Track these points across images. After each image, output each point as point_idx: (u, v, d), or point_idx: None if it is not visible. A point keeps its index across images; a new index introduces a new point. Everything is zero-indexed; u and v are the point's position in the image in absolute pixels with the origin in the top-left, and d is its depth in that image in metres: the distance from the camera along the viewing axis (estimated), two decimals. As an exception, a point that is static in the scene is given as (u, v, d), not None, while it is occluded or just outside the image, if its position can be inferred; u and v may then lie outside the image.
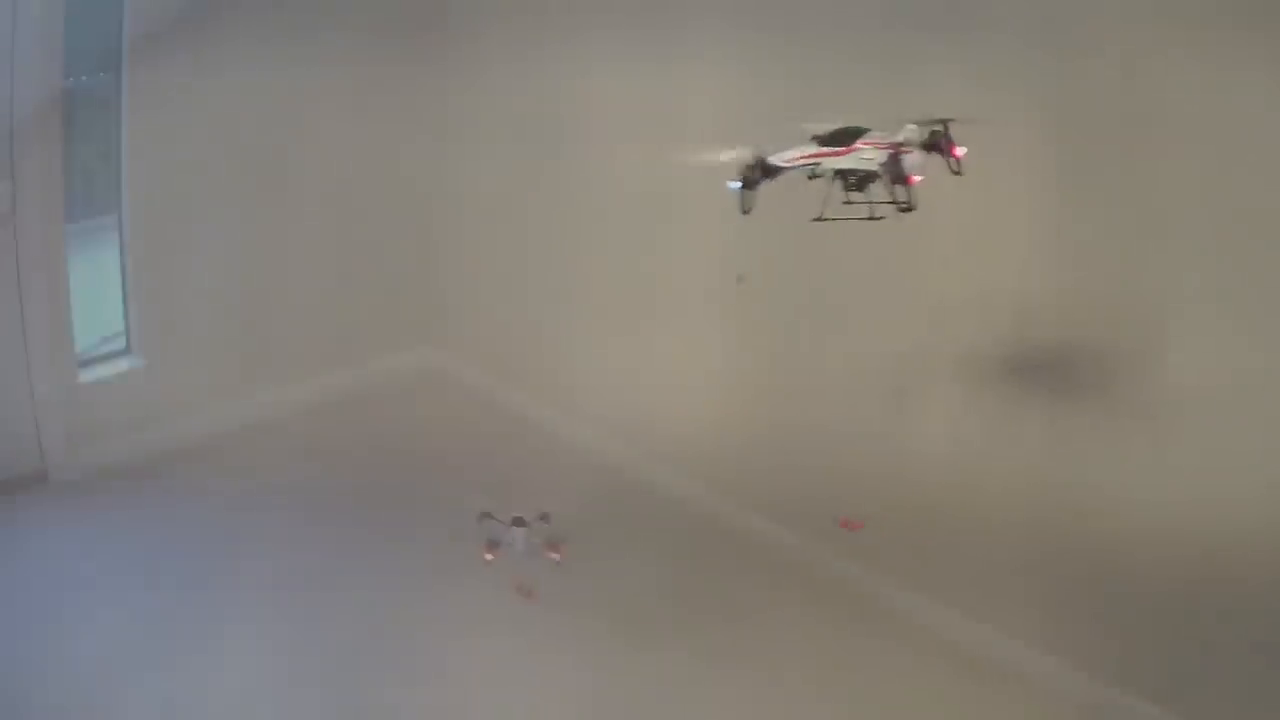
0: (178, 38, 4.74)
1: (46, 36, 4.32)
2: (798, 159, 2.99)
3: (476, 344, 6.01)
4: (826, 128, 2.99)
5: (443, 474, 5.21)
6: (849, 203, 3.03)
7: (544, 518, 4.47)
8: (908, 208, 2.97)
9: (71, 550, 4.43)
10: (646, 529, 4.87)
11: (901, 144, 2.97)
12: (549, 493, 4.73)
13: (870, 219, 3.02)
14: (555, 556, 4.41)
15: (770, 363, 4.60)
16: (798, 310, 4.45)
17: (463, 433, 5.65)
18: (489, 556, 4.38)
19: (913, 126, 2.98)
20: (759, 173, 3.00)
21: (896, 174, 2.97)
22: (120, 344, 5.12)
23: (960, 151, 2.96)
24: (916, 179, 2.96)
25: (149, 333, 5.07)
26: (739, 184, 3.01)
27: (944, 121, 2.96)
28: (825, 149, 3.00)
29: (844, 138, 2.99)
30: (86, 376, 4.93)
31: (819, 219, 3.04)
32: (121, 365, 5.07)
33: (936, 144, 2.97)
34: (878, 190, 3.00)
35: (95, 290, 5.01)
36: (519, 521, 4.43)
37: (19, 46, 4.29)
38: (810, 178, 3.03)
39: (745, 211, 3.03)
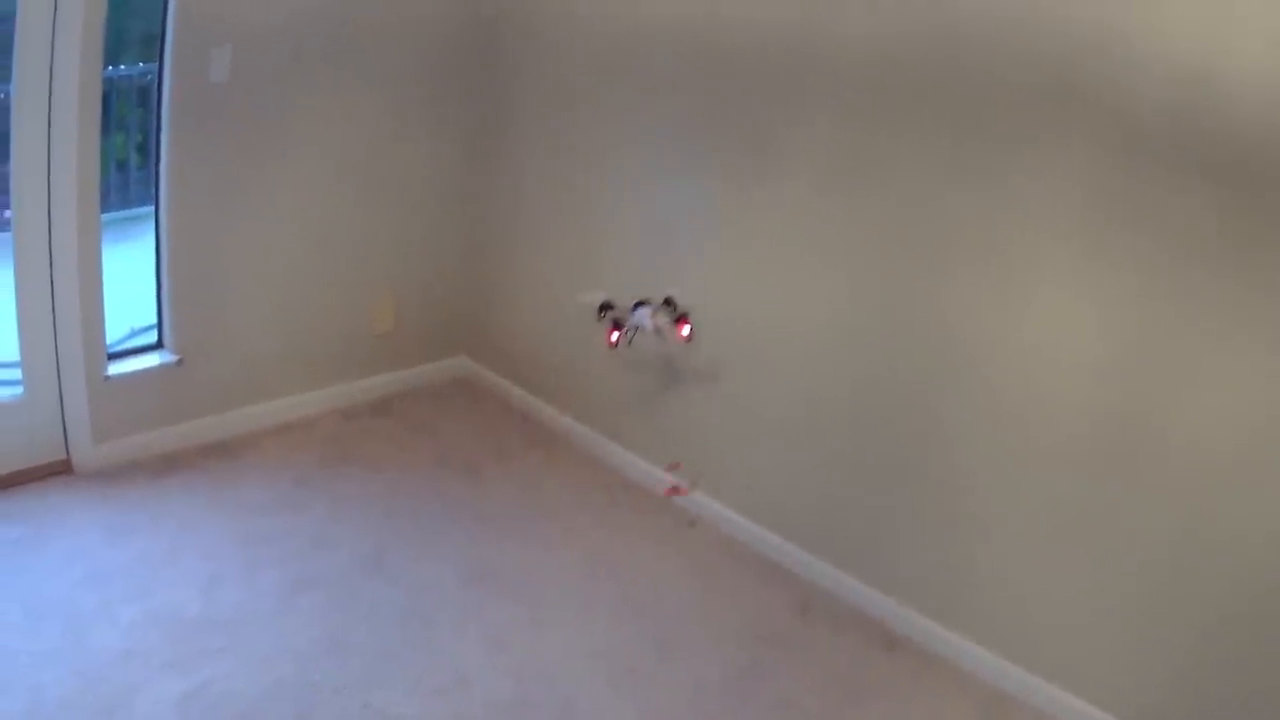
0: (222, 30, 4.74)
1: (87, 24, 4.32)
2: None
3: (509, 352, 6.04)
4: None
5: (474, 481, 5.26)
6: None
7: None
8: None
9: (97, 541, 4.47)
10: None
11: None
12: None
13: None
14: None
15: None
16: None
17: (494, 437, 5.69)
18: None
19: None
20: (605, 313, 4.59)
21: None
22: (152, 337, 5.14)
23: (683, 330, 4.55)
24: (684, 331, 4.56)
25: (183, 328, 5.11)
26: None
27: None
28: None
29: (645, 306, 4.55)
30: (116, 369, 4.95)
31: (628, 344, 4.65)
32: (153, 360, 5.08)
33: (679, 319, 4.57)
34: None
35: (129, 281, 5.03)
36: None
37: (60, 33, 4.30)
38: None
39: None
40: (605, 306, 4.63)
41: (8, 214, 4.51)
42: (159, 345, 5.14)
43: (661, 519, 5.07)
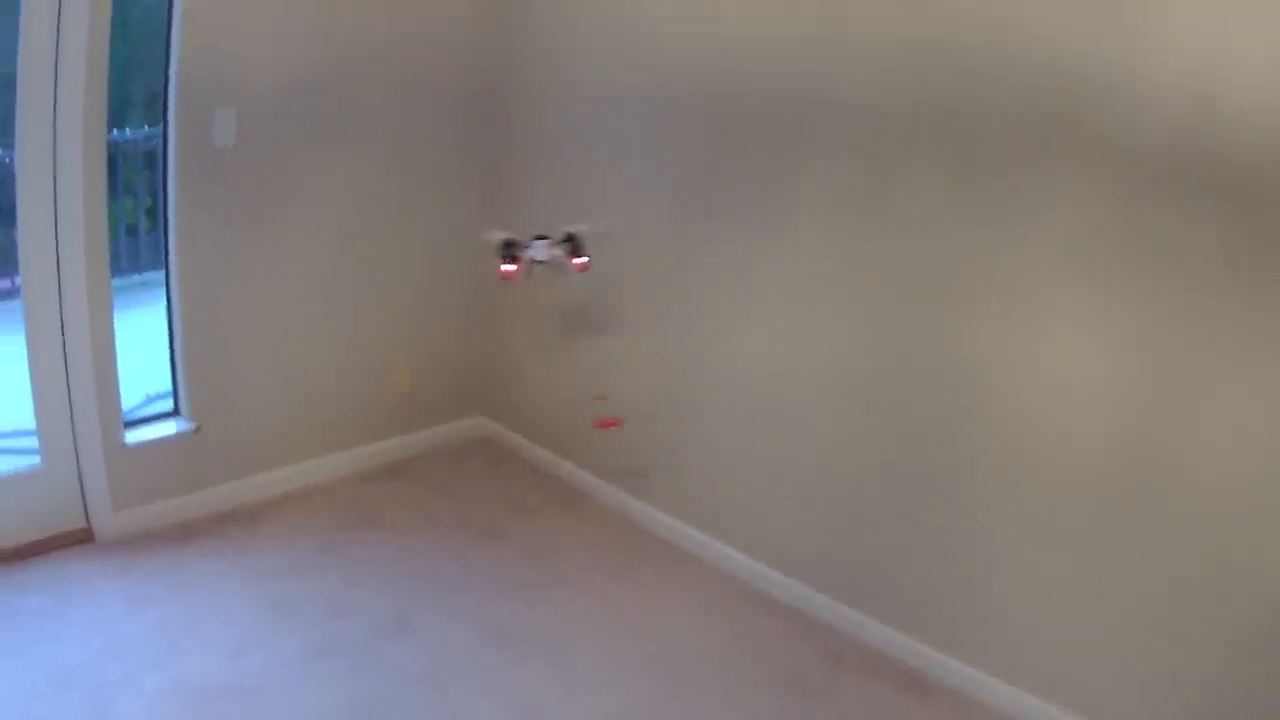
0: (225, 93, 4.76)
1: (90, 87, 4.33)
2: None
3: (527, 411, 6.03)
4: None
5: (494, 542, 5.22)
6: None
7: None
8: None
9: (118, 610, 4.44)
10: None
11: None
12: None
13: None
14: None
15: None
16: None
17: (514, 496, 5.65)
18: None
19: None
20: (511, 249, 4.60)
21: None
22: (168, 404, 5.14)
23: (579, 261, 4.67)
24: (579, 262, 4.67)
25: (199, 395, 5.10)
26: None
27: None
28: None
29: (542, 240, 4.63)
30: (133, 437, 4.94)
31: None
32: (170, 427, 5.08)
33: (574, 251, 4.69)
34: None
35: (143, 347, 5.04)
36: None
37: (62, 96, 4.31)
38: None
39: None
40: (509, 244, 4.64)
41: (17, 280, 4.51)
42: (175, 412, 5.13)
43: (685, 572, 5.03)
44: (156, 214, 4.90)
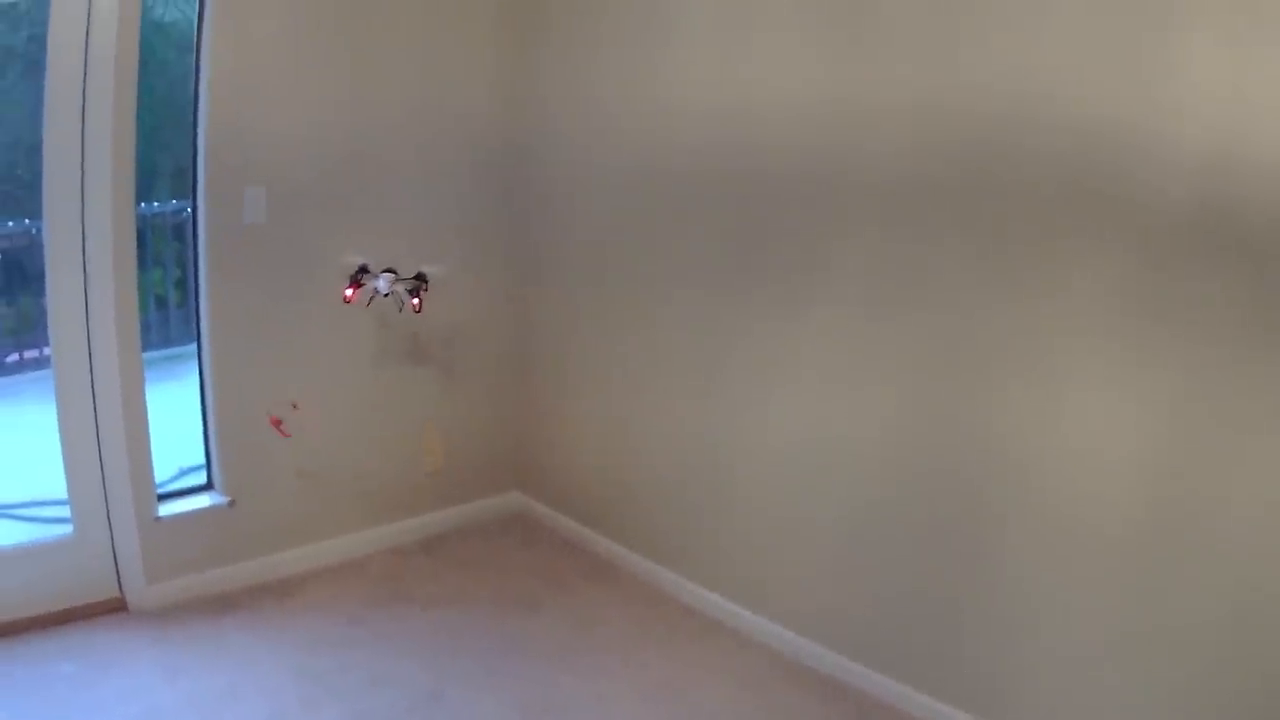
0: (254, 172, 4.85)
1: (117, 158, 4.38)
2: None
3: (561, 485, 6.02)
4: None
5: (528, 615, 5.20)
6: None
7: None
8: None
9: (153, 679, 4.43)
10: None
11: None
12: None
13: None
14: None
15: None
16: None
17: (549, 570, 5.63)
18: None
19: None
20: (361, 275, 4.86)
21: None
22: (201, 477, 5.17)
23: (414, 301, 5.01)
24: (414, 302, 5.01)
25: (232, 469, 5.13)
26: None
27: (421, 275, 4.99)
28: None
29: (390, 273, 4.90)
30: (166, 510, 4.97)
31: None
32: (204, 501, 5.11)
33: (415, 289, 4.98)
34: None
35: (174, 421, 5.08)
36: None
37: (90, 167, 4.35)
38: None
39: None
40: (362, 269, 4.79)
41: (46, 350, 4.54)
42: (209, 486, 5.15)
43: (718, 642, 4.98)
44: (186, 287, 4.94)
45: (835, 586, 4.72)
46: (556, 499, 6.06)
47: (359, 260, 4.70)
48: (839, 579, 4.70)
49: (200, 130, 4.69)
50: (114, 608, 4.85)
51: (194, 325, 4.94)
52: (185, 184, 4.74)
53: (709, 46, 4.77)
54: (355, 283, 4.77)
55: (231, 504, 5.09)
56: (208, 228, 4.79)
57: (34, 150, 4.30)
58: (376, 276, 4.79)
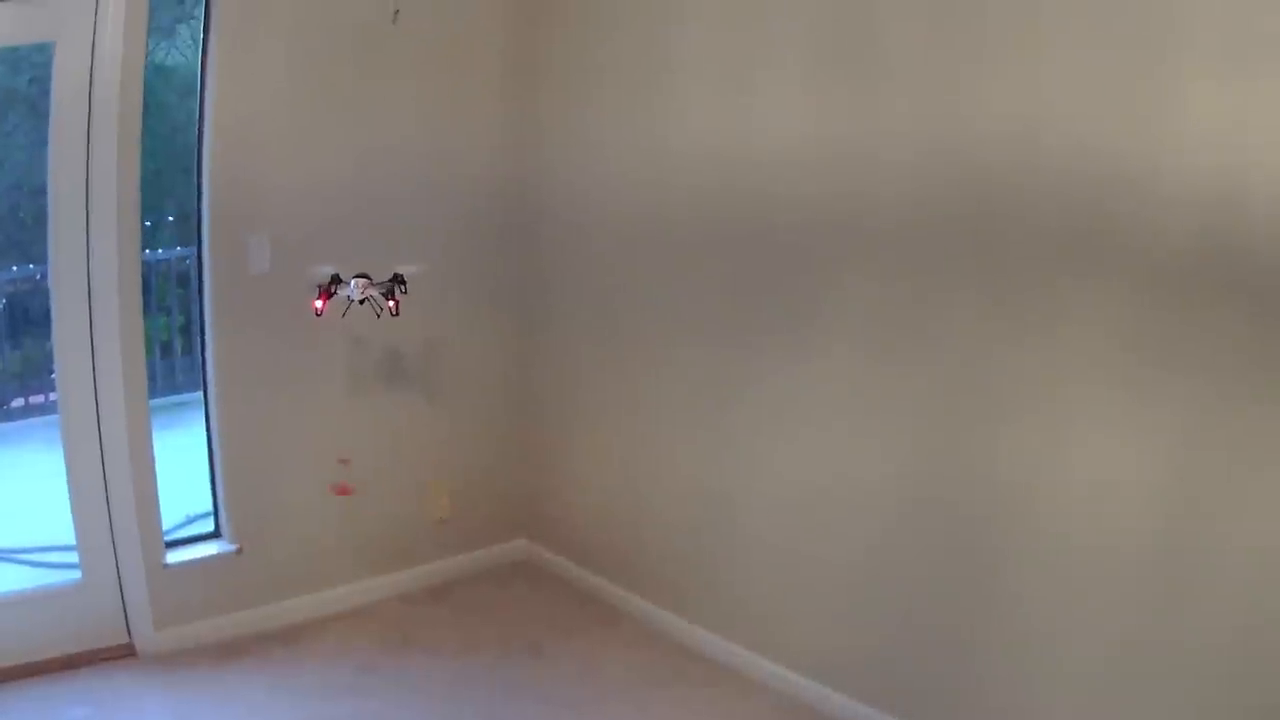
0: (258, 220, 4.92)
1: (121, 206, 4.46)
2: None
3: (568, 532, 6.03)
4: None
5: (536, 661, 5.20)
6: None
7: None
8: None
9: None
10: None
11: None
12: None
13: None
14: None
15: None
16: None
17: (556, 617, 5.63)
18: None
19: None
20: (333, 284, 4.65)
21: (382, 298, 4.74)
22: (208, 524, 5.20)
23: (391, 304, 4.75)
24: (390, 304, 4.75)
25: (240, 517, 5.16)
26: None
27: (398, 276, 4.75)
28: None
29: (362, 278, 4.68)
30: (175, 558, 5.00)
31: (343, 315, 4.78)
32: (211, 548, 5.13)
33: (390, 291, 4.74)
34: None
35: (180, 467, 5.09)
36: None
37: (95, 214, 4.42)
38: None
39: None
40: (335, 279, 4.69)
41: (52, 396, 4.57)
42: (217, 534, 5.17)
43: (727, 688, 4.96)
44: (190, 334, 4.98)
45: (843, 629, 4.71)
46: (563, 546, 6.06)
47: (330, 270, 4.67)
48: (846, 622, 4.69)
49: (205, 177, 4.76)
50: (123, 653, 4.87)
51: (200, 373, 4.97)
52: (186, 230, 4.79)
53: (711, 93, 4.82)
54: (325, 293, 4.67)
55: (239, 551, 5.11)
56: (213, 277, 4.85)
57: (36, 193, 4.35)
58: (347, 284, 4.72)
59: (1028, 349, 3.90)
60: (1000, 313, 3.95)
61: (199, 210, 4.78)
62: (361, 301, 4.69)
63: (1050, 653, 4.02)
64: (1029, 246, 3.84)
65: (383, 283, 4.70)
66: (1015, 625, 4.11)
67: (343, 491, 5.15)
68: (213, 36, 4.70)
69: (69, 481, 4.68)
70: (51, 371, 4.55)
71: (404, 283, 4.70)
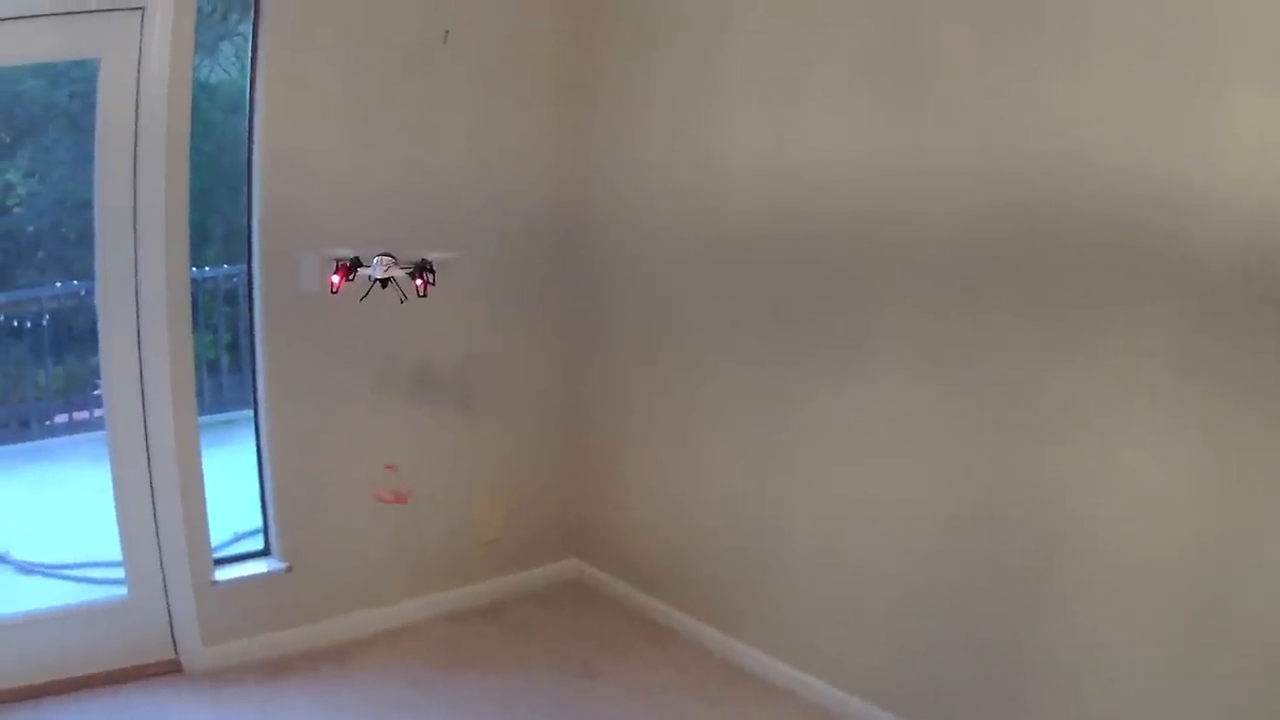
0: (308, 239, 4.89)
1: (170, 222, 4.47)
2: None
3: (620, 552, 6.01)
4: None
5: (586, 680, 5.17)
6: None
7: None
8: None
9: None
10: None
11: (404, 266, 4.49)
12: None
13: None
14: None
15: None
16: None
17: (607, 636, 5.60)
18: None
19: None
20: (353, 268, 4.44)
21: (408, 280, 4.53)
22: (257, 541, 5.21)
23: (419, 283, 4.51)
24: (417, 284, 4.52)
25: (289, 535, 5.16)
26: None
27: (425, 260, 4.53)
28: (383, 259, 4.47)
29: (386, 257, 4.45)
30: (223, 575, 5.01)
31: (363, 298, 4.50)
32: (261, 566, 5.14)
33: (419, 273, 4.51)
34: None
35: (229, 484, 5.11)
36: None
37: (143, 230, 4.43)
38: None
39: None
40: (356, 261, 4.57)
41: (97, 412, 4.58)
42: (266, 551, 5.18)
43: (778, 707, 4.92)
44: (239, 351, 4.99)
45: (893, 648, 4.67)
46: (613, 565, 6.04)
47: (348, 253, 4.53)
48: (895, 641, 4.66)
49: (255, 195, 4.77)
50: (169, 669, 4.87)
51: (249, 389, 4.98)
52: (233, 248, 4.80)
53: (761, 112, 4.81)
54: (342, 268, 4.49)
55: (289, 570, 5.11)
56: (264, 295, 4.86)
57: (78, 209, 4.36)
58: (368, 264, 4.54)
59: (1075, 369, 3.87)
60: (1046, 333, 3.93)
61: (249, 227, 4.80)
62: (384, 284, 4.55)
63: (1098, 671, 3.98)
64: (1076, 265, 3.82)
65: (409, 262, 4.57)
66: (1064, 643, 4.07)
67: (398, 500, 5.12)
68: (261, 56, 4.71)
69: (116, 497, 4.69)
70: (95, 388, 4.54)
71: (433, 270, 4.60)
